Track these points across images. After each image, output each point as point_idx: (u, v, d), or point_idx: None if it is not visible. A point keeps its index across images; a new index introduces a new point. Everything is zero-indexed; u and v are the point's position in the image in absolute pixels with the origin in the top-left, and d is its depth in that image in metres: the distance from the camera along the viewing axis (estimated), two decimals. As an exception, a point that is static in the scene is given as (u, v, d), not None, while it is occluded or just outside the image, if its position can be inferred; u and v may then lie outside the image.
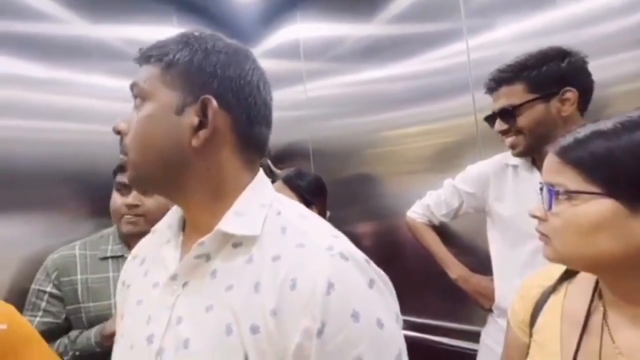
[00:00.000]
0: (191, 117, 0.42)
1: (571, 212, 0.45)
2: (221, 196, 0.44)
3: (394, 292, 0.43)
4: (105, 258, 0.99)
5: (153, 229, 0.52)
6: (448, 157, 1.31)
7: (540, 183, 0.51)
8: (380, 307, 0.38)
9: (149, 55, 0.45)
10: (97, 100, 1.32)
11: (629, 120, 0.44)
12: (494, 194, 1.00)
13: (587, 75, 0.86)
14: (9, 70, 1.13)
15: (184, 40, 0.45)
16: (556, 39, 1.06)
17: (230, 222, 0.42)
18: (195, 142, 0.42)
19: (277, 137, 1.78)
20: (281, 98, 1.82)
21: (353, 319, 0.35)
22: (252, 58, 0.48)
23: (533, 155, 0.92)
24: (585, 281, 0.52)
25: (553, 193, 0.47)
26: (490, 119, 0.95)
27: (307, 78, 1.71)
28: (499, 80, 0.89)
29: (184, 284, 0.43)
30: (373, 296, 0.38)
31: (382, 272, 0.41)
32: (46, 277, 0.96)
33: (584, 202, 0.44)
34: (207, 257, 0.43)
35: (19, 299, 0.94)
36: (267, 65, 1.97)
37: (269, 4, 1.77)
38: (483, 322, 1.09)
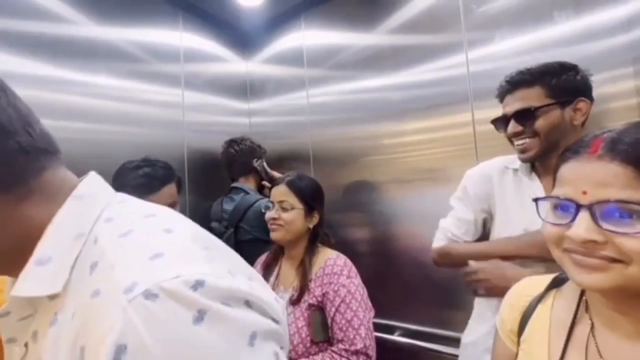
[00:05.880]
0: None
1: None
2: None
3: (265, 299, 0.33)
4: None
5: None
6: (446, 167, 1.32)
7: (569, 200, 0.42)
8: (212, 344, 0.28)
9: None
10: (102, 101, 1.34)
11: None
12: (497, 194, 0.99)
13: (591, 89, 0.88)
14: (18, 69, 1.15)
15: None
16: (554, 54, 1.09)
17: (29, 279, 0.32)
18: None
19: (279, 141, 1.82)
20: (283, 103, 1.84)
21: None
22: None
23: (539, 161, 0.91)
24: (571, 291, 0.52)
25: None
26: (499, 122, 0.94)
27: (309, 84, 1.74)
28: (518, 82, 0.88)
29: (25, 344, 0.35)
30: (199, 334, 0.28)
31: (235, 285, 0.31)
32: None
33: None
34: (34, 313, 0.35)
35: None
36: (271, 71, 2.00)
37: (274, 11, 1.80)
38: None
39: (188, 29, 1.70)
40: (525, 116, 0.87)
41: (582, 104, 0.85)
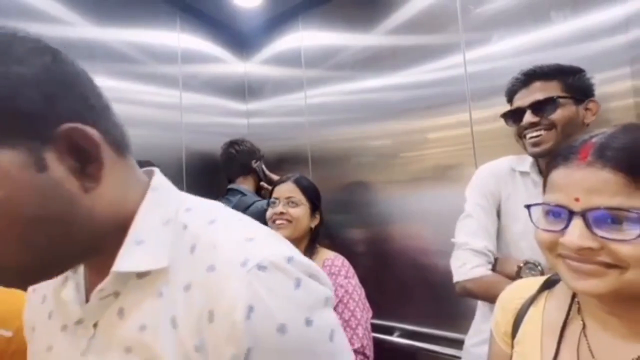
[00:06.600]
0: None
1: None
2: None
3: (321, 273, 0.40)
4: None
5: None
6: (444, 167, 1.32)
7: (561, 207, 0.42)
8: (307, 304, 0.36)
9: None
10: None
11: None
12: (505, 195, 0.96)
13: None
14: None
15: None
16: (551, 54, 1.09)
17: (130, 257, 0.36)
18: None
19: (277, 142, 1.82)
20: (281, 104, 1.84)
21: (279, 333, 0.33)
22: None
23: (548, 159, 0.89)
24: (563, 292, 0.52)
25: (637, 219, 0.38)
26: (509, 116, 0.93)
27: (307, 85, 1.74)
28: (536, 74, 0.88)
29: (95, 324, 0.38)
30: (299, 297, 0.35)
31: (306, 261, 0.38)
32: None
33: None
34: (116, 294, 0.38)
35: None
36: (269, 71, 2.00)
37: (272, 12, 1.80)
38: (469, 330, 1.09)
39: (186, 30, 1.70)
40: (543, 107, 0.86)
41: (592, 104, 0.87)
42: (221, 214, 0.42)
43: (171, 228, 0.38)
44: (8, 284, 0.35)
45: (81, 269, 0.41)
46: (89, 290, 0.40)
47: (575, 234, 0.41)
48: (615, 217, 0.39)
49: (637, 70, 0.99)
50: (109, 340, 0.37)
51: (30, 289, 0.48)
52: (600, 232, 0.40)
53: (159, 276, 0.36)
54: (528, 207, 0.48)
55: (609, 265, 0.40)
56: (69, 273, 0.41)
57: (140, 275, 0.37)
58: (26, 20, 1.19)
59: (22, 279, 0.34)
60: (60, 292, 0.40)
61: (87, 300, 0.39)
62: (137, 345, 0.35)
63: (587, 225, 0.40)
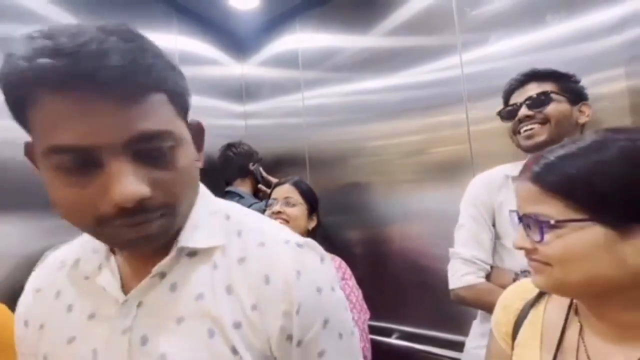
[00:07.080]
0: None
1: (565, 241, 0.43)
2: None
3: (330, 260, 0.49)
4: None
5: (62, 259, 0.49)
6: (442, 168, 1.32)
7: (515, 212, 0.50)
8: (330, 276, 0.46)
9: None
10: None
11: (595, 141, 0.43)
12: (497, 204, 0.95)
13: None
14: (9, 72, 1.14)
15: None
16: (547, 56, 1.09)
17: (191, 236, 0.43)
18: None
19: (274, 144, 1.82)
20: (279, 106, 1.84)
21: (318, 293, 0.42)
22: None
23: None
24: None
25: (543, 225, 0.44)
26: (504, 113, 0.96)
27: (304, 87, 1.74)
28: (534, 75, 0.92)
29: (138, 305, 0.42)
30: (325, 269, 0.45)
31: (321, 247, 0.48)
32: None
33: (573, 231, 0.42)
34: (162, 275, 0.42)
35: (13, 299, 0.94)
36: (266, 73, 1.99)
37: (270, 13, 1.80)
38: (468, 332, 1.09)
39: (183, 32, 1.70)
40: (538, 102, 0.89)
41: (585, 107, 0.90)
42: (249, 209, 0.51)
43: (217, 217, 0.47)
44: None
45: (112, 258, 0.45)
46: (125, 276, 0.44)
47: (519, 236, 0.49)
48: (538, 222, 0.45)
49: (632, 71, 1.00)
50: (156, 315, 0.41)
51: (34, 289, 0.49)
52: (531, 235, 0.47)
53: (213, 252, 0.44)
54: (510, 212, 0.53)
55: (546, 264, 0.46)
56: (103, 261, 0.45)
57: (191, 254, 0.43)
58: (21, 22, 1.18)
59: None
60: (94, 281, 0.44)
61: (122, 286, 0.43)
62: (194, 313, 0.40)
63: (525, 228, 0.48)
